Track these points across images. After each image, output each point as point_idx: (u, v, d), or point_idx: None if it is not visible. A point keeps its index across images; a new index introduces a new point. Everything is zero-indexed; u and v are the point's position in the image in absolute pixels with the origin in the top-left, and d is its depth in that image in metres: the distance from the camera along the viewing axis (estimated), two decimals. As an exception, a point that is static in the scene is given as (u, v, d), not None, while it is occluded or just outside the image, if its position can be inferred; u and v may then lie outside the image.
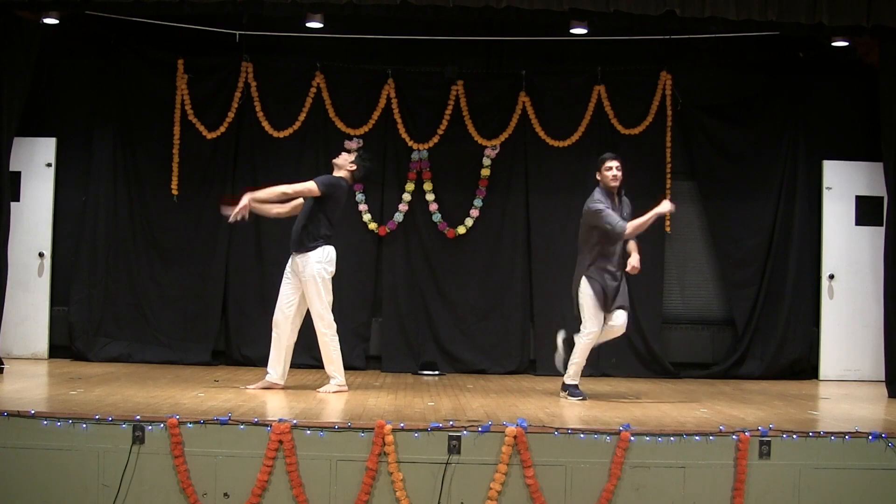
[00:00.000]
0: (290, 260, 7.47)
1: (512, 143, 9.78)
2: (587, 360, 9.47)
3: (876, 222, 9.32)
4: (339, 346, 7.51)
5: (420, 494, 5.63)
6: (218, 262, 9.63)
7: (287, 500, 5.63)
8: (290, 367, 9.34)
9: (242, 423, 5.73)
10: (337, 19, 8.71)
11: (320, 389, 7.49)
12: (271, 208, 7.66)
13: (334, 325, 7.46)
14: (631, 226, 7.29)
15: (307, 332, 9.62)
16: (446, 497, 5.64)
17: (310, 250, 7.32)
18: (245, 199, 7.23)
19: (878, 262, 8.56)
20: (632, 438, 5.72)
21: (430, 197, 9.76)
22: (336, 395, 7.33)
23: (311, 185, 7.38)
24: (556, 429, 5.75)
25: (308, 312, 7.48)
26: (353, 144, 9.72)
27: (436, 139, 9.73)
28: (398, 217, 9.75)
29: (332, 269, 7.44)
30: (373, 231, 9.75)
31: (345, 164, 7.64)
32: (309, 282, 7.33)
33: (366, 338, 9.79)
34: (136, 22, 8.94)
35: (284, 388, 7.55)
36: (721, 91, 9.91)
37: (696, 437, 5.78)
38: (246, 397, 7.01)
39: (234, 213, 7.19)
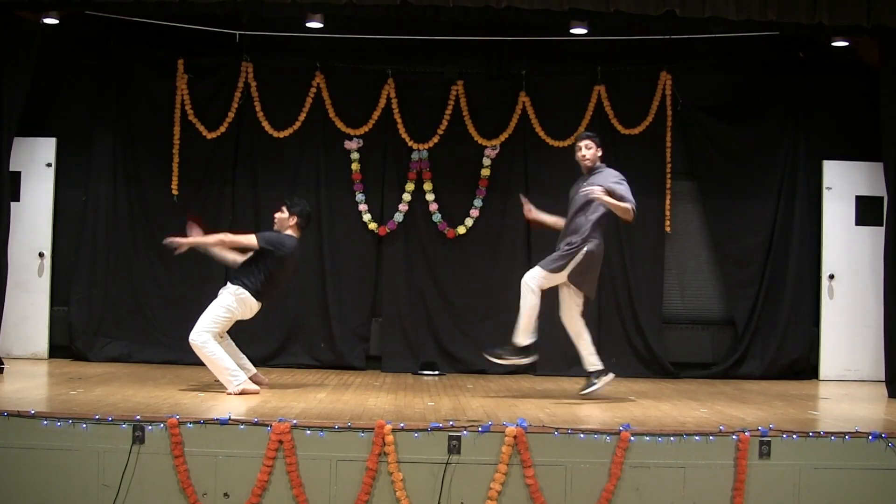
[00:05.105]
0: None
1: (512, 143, 9.77)
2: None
3: (876, 222, 9.32)
4: (211, 354, 7.14)
5: (420, 494, 5.64)
6: (218, 262, 9.60)
7: (287, 500, 5.63)
8: (290, 367, 9.35)
9: (242, 423, 5.73)
10: (337, 19, 8.70)
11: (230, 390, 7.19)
12: (227, 255, 7.69)
13: (204, 336, 7.14)
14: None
15: (307, 332, 9.71)
16: (446, 497, 5.64)
17: (241, 286, 7.29)
18: (189, 239, 7.37)
19: (878, 262, 8.56)
20: (632, 438, 5.72)
21: (430, 197, 9.75)
22: (244, 396, 7.03)
23: (251, 239, 7.31)
24: (556, 429, 5.76)
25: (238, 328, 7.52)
26: (353, 144, 9.76)
27: (436, 139, 9.72)
28: (398, 217, 9.74)
29: (240, 313, 7.34)
30: (373, 231, 9.75)
31: (284, 218, 7.51)
32: (221, 296, 7.34)
33: (366, 338, 9.78)
34: (136, 22, 8.93)
35: (284, 388, 7.53)
36: (721, 91, 9.89)
37: (696, 437, 5.79)
38: (246, 397, 7.01)
39: (179, 247, 7.36)
